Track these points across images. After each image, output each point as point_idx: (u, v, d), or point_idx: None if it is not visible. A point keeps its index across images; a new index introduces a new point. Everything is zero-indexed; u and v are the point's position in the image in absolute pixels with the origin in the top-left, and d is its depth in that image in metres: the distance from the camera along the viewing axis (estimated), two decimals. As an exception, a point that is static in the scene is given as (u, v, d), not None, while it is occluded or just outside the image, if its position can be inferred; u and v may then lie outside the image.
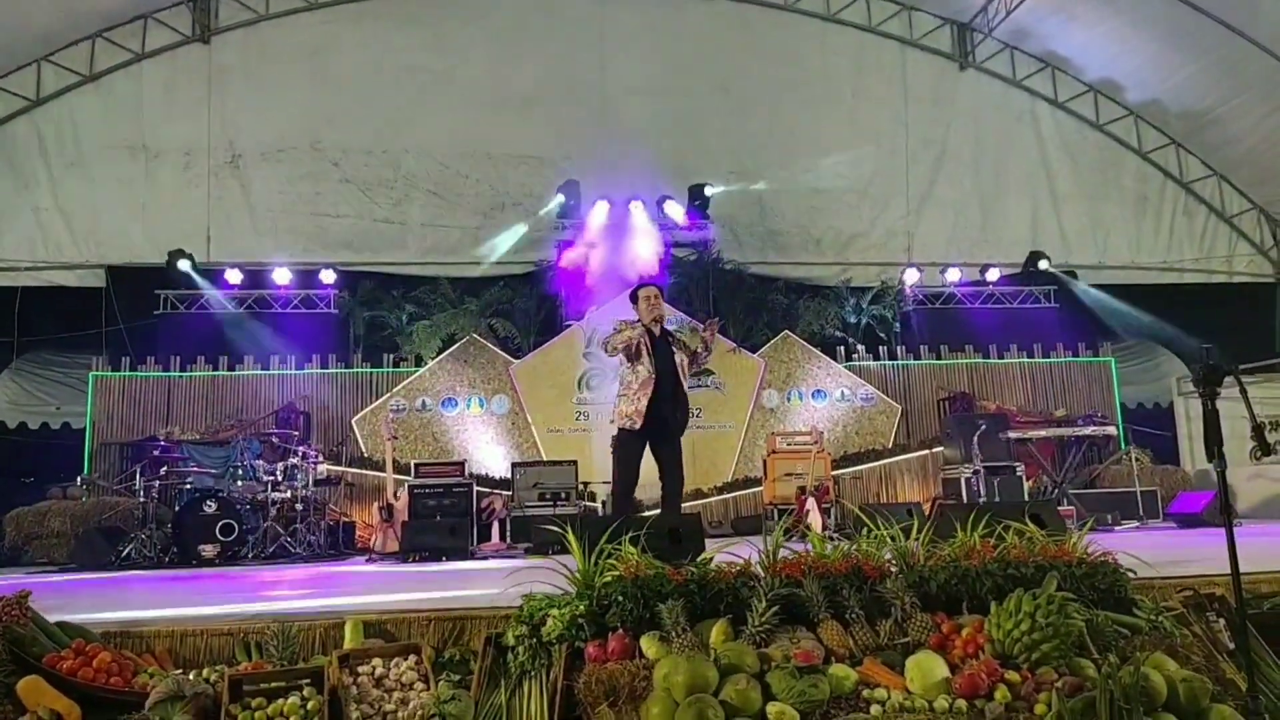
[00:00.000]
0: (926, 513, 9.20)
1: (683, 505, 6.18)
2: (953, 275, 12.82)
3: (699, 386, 11.70)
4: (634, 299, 6.21)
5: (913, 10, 13.76)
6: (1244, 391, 3.23)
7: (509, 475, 10.26)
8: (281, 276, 11.83)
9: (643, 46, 13.10)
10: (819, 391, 12.06)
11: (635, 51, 13.03)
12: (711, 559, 3.68)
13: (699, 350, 6.03)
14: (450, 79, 12.74)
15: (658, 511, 7.60)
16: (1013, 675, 2.97)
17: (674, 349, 5.98)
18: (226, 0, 12.59)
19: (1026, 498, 9.66)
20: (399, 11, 12.84)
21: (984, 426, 9.92)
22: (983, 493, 9.43)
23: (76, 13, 11.80)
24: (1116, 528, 9.39)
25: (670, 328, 6.23)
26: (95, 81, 12.28)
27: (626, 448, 5.87)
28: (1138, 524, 9.74)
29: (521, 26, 12.90)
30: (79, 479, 10.40)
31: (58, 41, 12.03)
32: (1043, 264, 12.98)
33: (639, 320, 6.00)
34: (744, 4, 13.47)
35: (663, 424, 5.82)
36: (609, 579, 3.39)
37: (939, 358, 12.62)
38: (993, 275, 12.94)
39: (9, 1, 11.13)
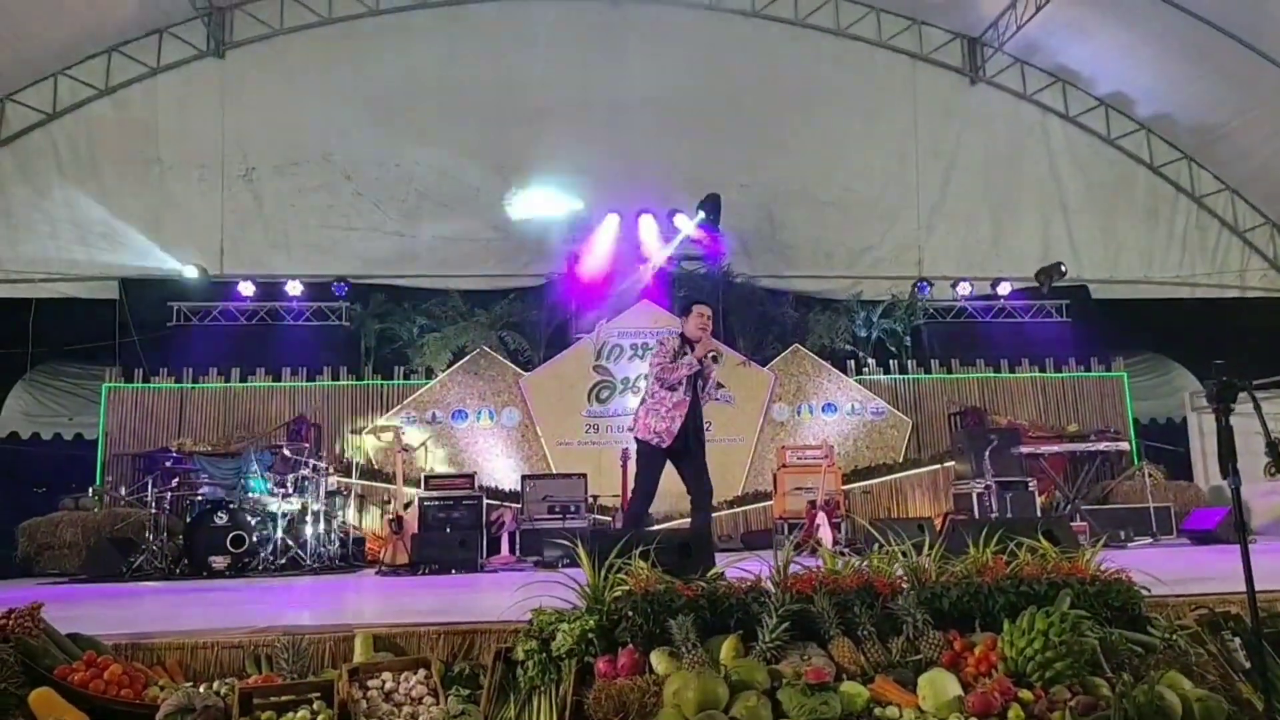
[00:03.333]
0: (938, 528, 9.17)
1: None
2: (964, 289, 12.77)
3: (708, 400, 11.68)
4: (686, 312, 6.14)
5: (923, 25, 13.78)
6: (1258, 407, 3.21)
7: (519, 488, 10.26)
8: (293, 289, 11.89)
9: (654, 59, 13.14)
10: (829, 405, 12.04)
11: (647, 64, 13.08)
12: (722, 574, 3.66)
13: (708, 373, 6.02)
14: (462, 92, 12.81)
15: (668, 524, 7.60)
16: (1026, 694, 2.95)
17: (709, 369, 6.03)
18: (241, 15, 12.71)
19: (1039, 513, 9.61)
20: (412, 25, 12.94)
21: (995, 441, 9.88)
22: (995, 508, 9.39)
23: (92, 27, 11.91)
24: (1130, 544, 9.33)
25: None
26: (111, 95, 12.39)
27: (649, 460, 5.87)
28: (1151, 541, 9.67)
29: (533, 40, 12.97)
30: (91, 490, 10.45)
31: (74, 55, 12.15)
32: (1047, 274, 12.77)
33: (692, 341, 5.95)
34: (755, 18, 13.52)
35: (687, 443, 5.85)
36: (619, 593, 3.38)
37: (950, 372, 12.59)
38: (1004, 289, 12.89)
39: (26, 16, 11.25)
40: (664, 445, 5.77)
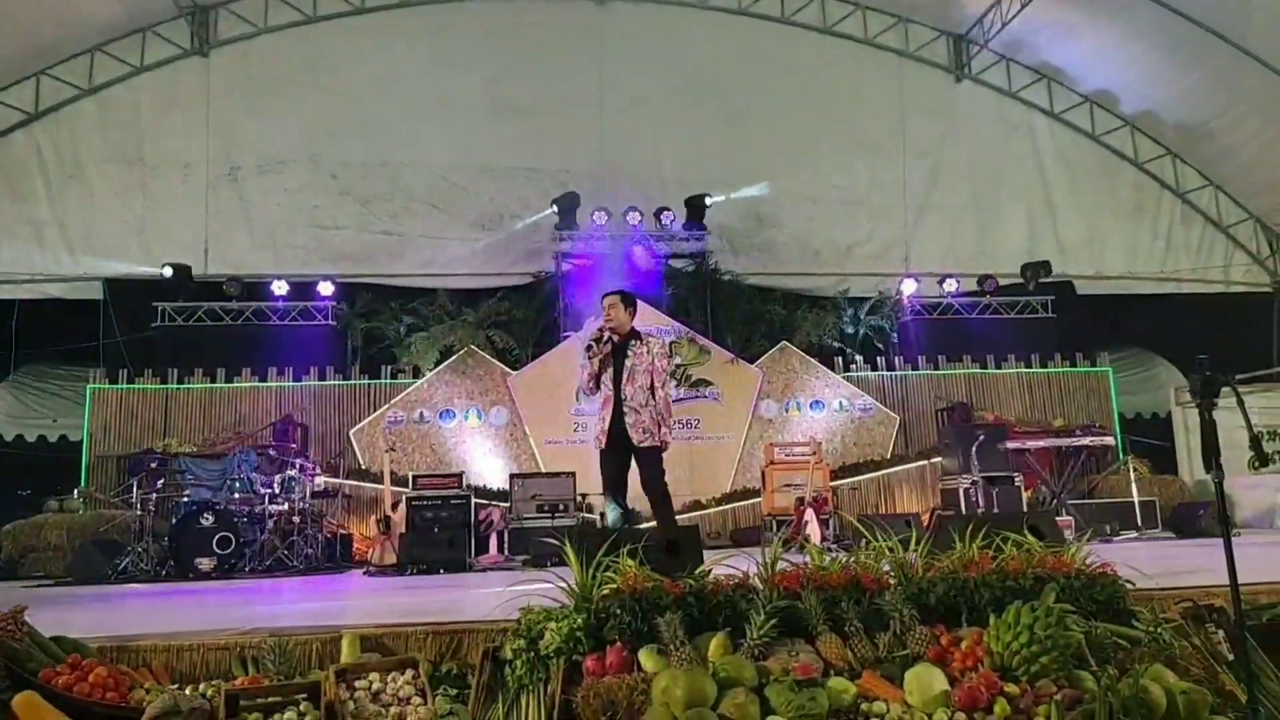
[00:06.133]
0: (925, 524, 9.21)
1: (675, 516, 5.90)
2: (950, 285, 12.82)
3: (697, 398, 11.70)
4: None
5: (909, 22, 13.82)
6: (1241, 402, 3.23)
7: (507, 487, 10.24)
8: (279, 289, 11.84)
9: (641, 58, 13.16)
10: (817, 402, 12.06)
11: (633, 63, 13.10)
12: (710, 571, 3.66)
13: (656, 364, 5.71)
14: (448, 91, 12.79)
15: (654, 523, 7.57)
16: (1012, 688, 2.96)
17: (636, 360, 5.68)
18: (225, 14, 12.64)
19: (1025, 508, 9.66)
20: (397, 24, 12.90)
21: (982, 437, 9.92)
22: (981, 503, 9.43)
23: (75, 26, 11.83)
24: (1115, 538, 9.38)
25: (650, 334, 5.99)
26: (94, 95, 12.32)
27: (602, 462, 5.79)
28: (1136, 534, 9.73)
29: (519, 39, 12.95)
30: (76, 492, 10.38)
31: (56, 55, 12.06)
32: (1032, 270, 12.83)
33: (603, 328, 5.79)
34: (741, 16, 13.53)
35: (624, 442, 5.62)
36: (607, 591, 3.38)
37: (937, 368, 12.63)
38: (990, 285, 12.92)
39: (7, 15, 11.16)
40: (603, 446, 5.70)
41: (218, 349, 11.73)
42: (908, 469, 11.78)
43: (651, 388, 5.69)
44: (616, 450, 5.70)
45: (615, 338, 5.76)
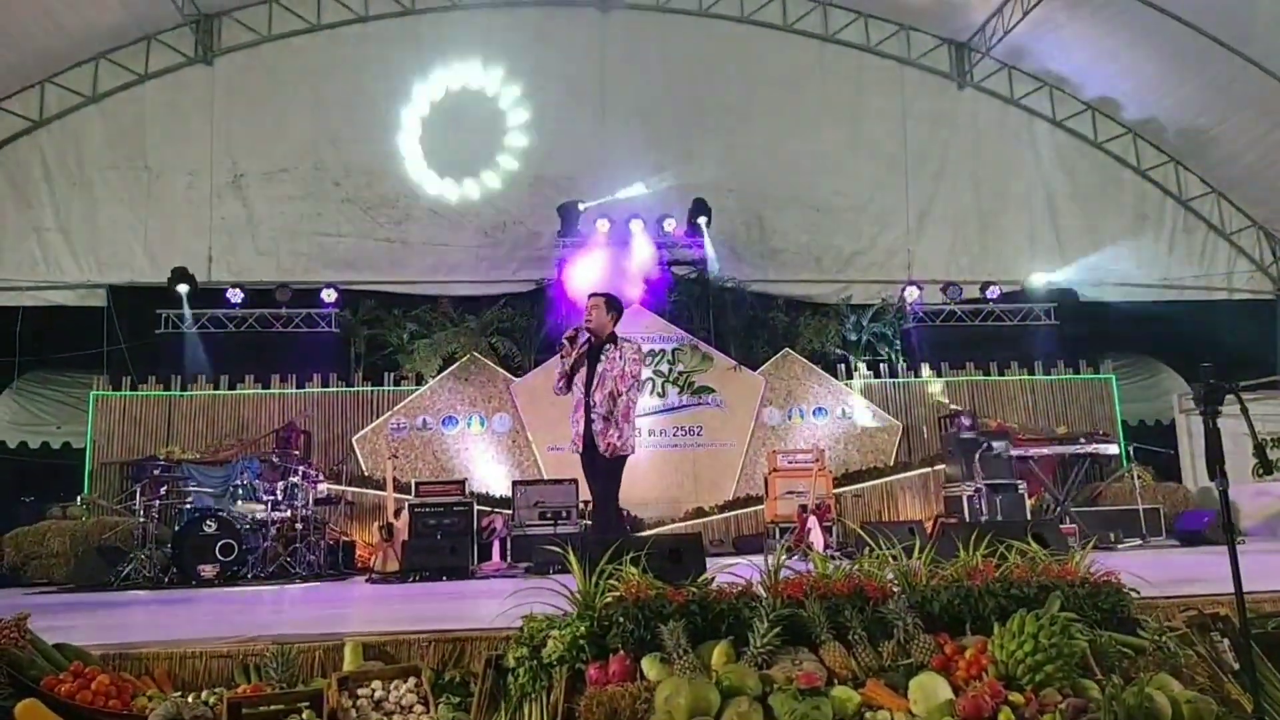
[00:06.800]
0: (928, 531, 9.19)
1: (610, 523, 5.53)
2: (953, 292, 12.81)
3: (700, 405, 11.70)
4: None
5: (911, 30, 13.84)
6: (1245, 409, 3.23)
7: (510, 494, 10.23)
8: (282, 296, 11.85)
9: (644, 66, 13.19)
10: (820, 409, 12.05)
11: (637, 71, 13.14)
12: (713, 579, 3.65)
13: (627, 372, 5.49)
14: (451, 98, 12.84)
15: (657, 530, 7.54)
16: (1016, 697, 2.95)
17: (609, 366, 5.46)
18: (229, 22, 12.69)
19: (1029, 516, 9.64)
20: (399, 32, 12.94)
21: (985, 444, 9.90)
22: (985, 511, 9.41)
23: (80, 34, 11.88)
24: (1119, 546, 9.36)
25: (626, 340, 5.66)
26: (98, 102, 12.36)
27: (583, 465, 5.62)
28: (1140, 542, 9.71)
29: (522, 47, 13.00)
30: (79, 498, 10.40)
31: (61, 63, 12.12)
32: (1036, 277, 12.84)
33: (579, 328, 5.61)
34: (744, 24, 13.57)
35: (591, 449, 5.45)
36: (610, 599, 3.37)
37: (940, 375, 12.61)
38: (993, 292, 12.92)
39: (12, 23, 11.21)
40: (579, 450, 5.54)
41: (221, 356, 11.76)
42: (911, 476, 11.76)
43: (616, 394, 5.45)
44: (584, 457, 5.58)
45: (592, 339, 5.60)
